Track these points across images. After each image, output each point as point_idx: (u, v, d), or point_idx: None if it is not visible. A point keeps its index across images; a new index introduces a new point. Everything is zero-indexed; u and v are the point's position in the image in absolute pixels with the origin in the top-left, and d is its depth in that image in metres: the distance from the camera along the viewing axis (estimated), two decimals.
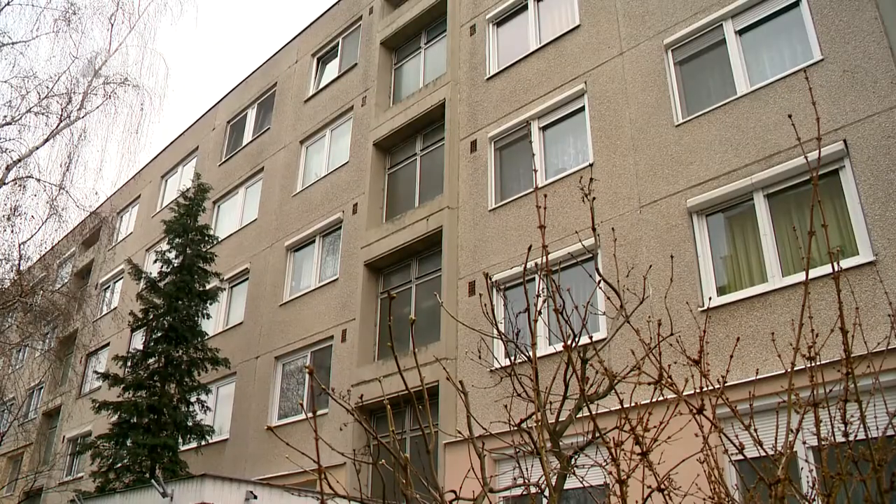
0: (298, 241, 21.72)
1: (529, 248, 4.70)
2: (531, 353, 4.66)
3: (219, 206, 26.76)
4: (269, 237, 23.02)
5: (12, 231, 21.05)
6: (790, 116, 5.01)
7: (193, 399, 19.70)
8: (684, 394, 3.57)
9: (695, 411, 3.44)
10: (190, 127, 31.52)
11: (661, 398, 3.96)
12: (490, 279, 14.74)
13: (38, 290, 22.12)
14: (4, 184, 20.45)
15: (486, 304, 11.64)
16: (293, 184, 23.09)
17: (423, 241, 17.38)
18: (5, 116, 20.72)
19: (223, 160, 27.77)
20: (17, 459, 33.36)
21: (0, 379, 26.74)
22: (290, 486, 13.02)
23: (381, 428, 16.25)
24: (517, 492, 4.78)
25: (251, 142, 26.54)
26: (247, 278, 23.39)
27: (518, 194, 15.85)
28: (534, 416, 4.50)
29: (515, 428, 4.62)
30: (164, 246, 21.79)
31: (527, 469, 4.73)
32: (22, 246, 20.60)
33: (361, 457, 14.33)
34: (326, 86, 23.65)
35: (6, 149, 20.64)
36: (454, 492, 4.52)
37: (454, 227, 16.70)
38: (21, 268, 20.80)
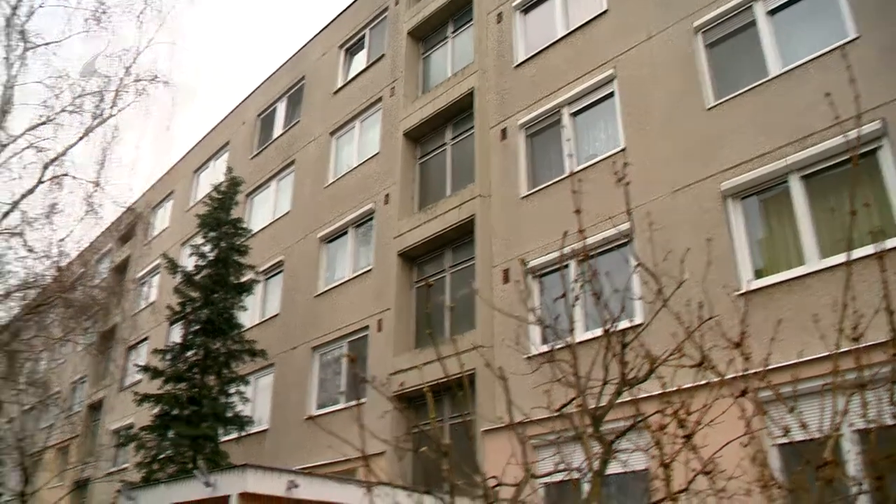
0: (331, 232, 21.86)
1: (565, 234, 4.71)
2: (570, 339, 4.68)
3: (252, 200, 26.99)
4: (302, 229, 23.18)
5: (51, 228, 21.44)
6: (828, 94, 4.96)
7: (232, 390, 19.93)
8: (726, 377, 3.57)
9: (738, 395, 3.44)
10: (220, 122, 31.78)
11: (702, 382, 3.96)
12: (525, 265, 14.72)
13: (77, 286, 22.50)
14: (42, 182, 20.81)
15: (522, 291, 11.65)
16: (324, 176, 23.22)
17: (455, 230, 17.40)
18: (41, 116, 21.05)
19: (254, 154, 27.98)
20: (65, 451, 34.06)
21: (45, 373, 27.26)
22: (331, 475, 13.14)
23: (419, 416, 16.32)
24: (559, 477, 4.81)
25: (281, 135, 26.71)
26: (281, 270, 23.60)
27: (550, 181, 15.79)
28: (574, 402, 4.52)
29: (556, 413, 4.65)
30: (199, 240, 22.03)
31: (568, 455, 4.75)
32: (61, 242, 21.00)
33: (401, 445, 14.42)
34: (355, 77, 23.71)
35: (43, 148, 20.99)
36: (496, 477, 4.55)
37: (487, 216, 16.70)
38: (61, 264, 21.18)
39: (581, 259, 4.35)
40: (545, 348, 4.89)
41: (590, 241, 12.24)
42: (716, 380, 3.73)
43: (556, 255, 13.52)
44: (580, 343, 4.88)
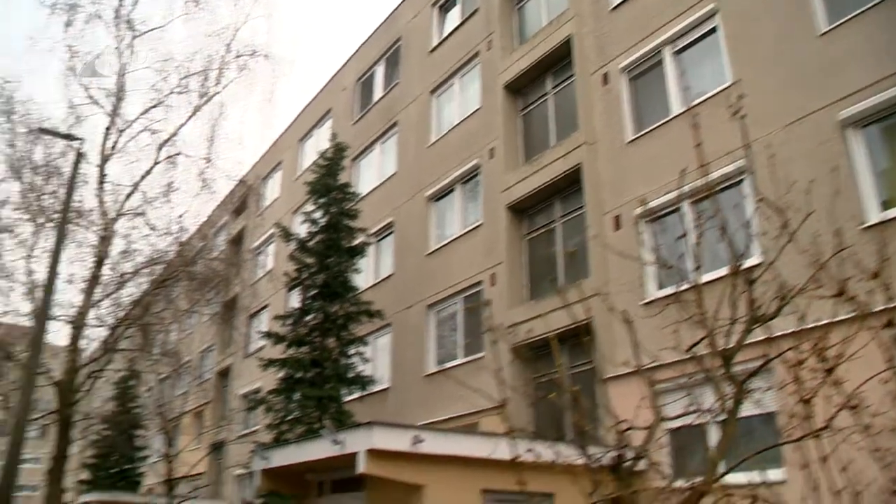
0: (438, 190, 22.00)
1: (683, 172, 4.61)
2: (696, 278, 4.59)
3: (357, 164, 27.39)
4: (409, 189, 23.42)
5: (170, 206, 22.51)
6: None
7: (352, 351, 20.44)
8: (869, 310, 3.44)
9: (882, 326, 3.32)
10: (321, 90, 32.27)
11: (840, 317, 3.81)
12: (645, 205, 14.32)
13: (198, 260, 23.52)
14: (158, 163, 21.78)
15: (640, 233, 11.42)
16: (427, 135, 23.32)
17: (563, 180, 17.21)
18: (152, 99, 22.00)
19: (356, 119, 28.33)
20: (201, 415, 35.96)
21: (176, 343, 28.74)
22: (454, 429, 13.39)
23: (537, 367, 16.34)
24: (689, 420, 4.76)
25: (382, 98, 26.93)
26: (392, 231, 23.95)
27: (655, 123, 15.39)
28: (703, 342, 4.45)
29: (685, 355, 4.59)
30: (310, 207, 22.52)
31: (697, 397, 4.71)
32: (179, 219, 22.01)
33: (522, 395, 14.53)
34: (450, 34, 23.59)
35: (156, 130, 21.95)
36: (627, 421, 4.56)
37: (593, 163, 16.45)
38: (181, 240, 22.20)
39: (702, 196, 4.25)
40: (665, 292, 4.81)
41: (702, 181, 11.91)
42: (855, 312, 3.59)
43: (668, 197, 13.15)
44: (703, 284, 4.79)
